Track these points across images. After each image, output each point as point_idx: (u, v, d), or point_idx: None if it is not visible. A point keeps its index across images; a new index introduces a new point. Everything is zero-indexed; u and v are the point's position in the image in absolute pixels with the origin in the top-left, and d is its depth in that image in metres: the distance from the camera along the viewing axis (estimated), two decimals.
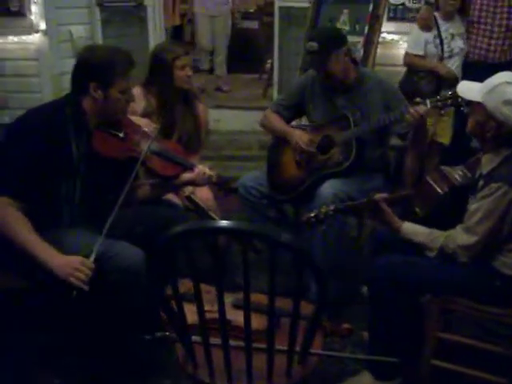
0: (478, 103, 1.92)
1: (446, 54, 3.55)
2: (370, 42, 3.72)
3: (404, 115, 2.37)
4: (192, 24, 6.48)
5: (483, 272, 1.96)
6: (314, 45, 2.56)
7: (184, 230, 1.33)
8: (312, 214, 2.28)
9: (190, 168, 2.32)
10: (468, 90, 2.02)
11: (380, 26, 3.75)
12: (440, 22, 3.55)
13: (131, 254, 1.93)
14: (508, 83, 1.87)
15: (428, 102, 2.31)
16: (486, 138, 1.94)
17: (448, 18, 3.56)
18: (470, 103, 2.01)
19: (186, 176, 2.33)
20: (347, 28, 3.86)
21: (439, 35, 3.53)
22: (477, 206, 1.92)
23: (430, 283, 2.02)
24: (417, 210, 2.16)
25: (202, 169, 2.33)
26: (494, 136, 1.90)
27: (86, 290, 1.78)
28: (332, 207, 2.27)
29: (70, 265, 1.80)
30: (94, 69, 2.00)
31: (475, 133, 1.99)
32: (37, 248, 1.84)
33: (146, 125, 2.59)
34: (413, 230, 2.09)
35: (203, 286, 1.68)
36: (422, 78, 3.53)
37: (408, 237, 2.09)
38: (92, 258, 1.83)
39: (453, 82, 3.41)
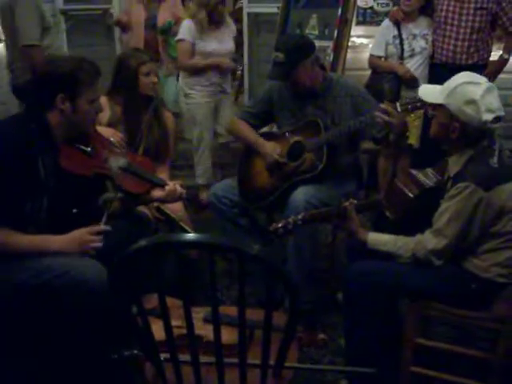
0: (441, 105, 1.92)
1: (406, 54, 3.62)
2: (340, 46, 3.70)
3: (374, 119, 2.34)
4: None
5: (459, 276, 1.94)
6: (279, 55, 2.49)
7: (149, 244, 1.27)
8: (280, 225, 2.24)
9: (161, 185, 2.28)
10: (429, 93, 2.02)
11: (349, 30, 3.74)
12: (402, 22, 3.62)
13: (90, 268, 1.86)
14: (468, 83, 1.87)
15: (398, 105, 2.29)
16: (450, 140, 1.94)
17: (410, 18, 3.62)
18: (432, 106, 2.00)
19: (157, 194, 2.28)
20: (316, 33, 3.84)
21: (399, 35, 3.61)
22: (445, 207, 1.91)
23: (405, 288, 1.99)
24: (387, 214, 2.13)
25: (173, 186, 2.29)
26: (459, 137, 1.90)
27: (100, 246, 1.92)
28: (300, 216, 2.22)
29: (76, 240, 1.91)
30: (60, 80, 1.92)
31: (439, 135, 1.98)
32: (37, 244, 1.89)
33: (112, 135, 2.54)
34: (378, 240, 2.07)
35: (175, 301, 1.63)
36: (383, 78, 3.61)
37: (375, 247, 2.07)
38: (103, 221, 1.95)
39: (411, 82, 3.53)
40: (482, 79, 1.91)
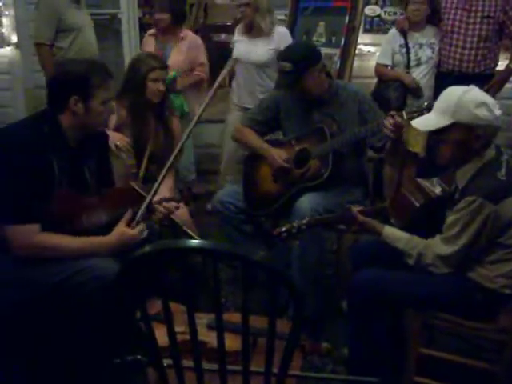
0: (451, 125, 1.87)
1: (412, 63, 3.65)
2: (347, 54, 3.72)
3: (381, 127, 2.33)
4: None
5: (464, 286, 1.93)
6: (287, 65, 2.48)
7: (154, 250, 1.27)
8: (283, 229, 2.24)
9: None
10: (428, 123, 1.96)
11: (356, 37, 3.75)
12: (408, 31, 3.64)
13: (107, 265, 1.87)
14: (465, 92, 1.86)
15: (404, 113, 2.28)
16: (472, 151, 1.89)
17: (417, 27, 3.64)
18: (439, 132, 1.91)
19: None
20: (323, 40, 3.85)
21: (406, 45, 3.63)
22: (454, 219, 1.90)
23: (410, 298, 1.98)
24: (393, 221, 2.12)
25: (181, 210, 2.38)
26: (483, 142, 1.87)
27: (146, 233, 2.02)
28: (305, 221, 2.22)
29: (121, 241, 1.95)
30: (73, 82, 1.93)
31: (458, 155, 1.92)
32: (87, 246, 1.93)
33: (119, 139, 2.55)
34: (394, 235, 2.06)
35: (179, 307, 1.62)
36: (389, 86, 3.64)
37: (387, 241, 2.06)
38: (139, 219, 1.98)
39: (417, 92, 3.56)
40: (466, 87, 1.90)
